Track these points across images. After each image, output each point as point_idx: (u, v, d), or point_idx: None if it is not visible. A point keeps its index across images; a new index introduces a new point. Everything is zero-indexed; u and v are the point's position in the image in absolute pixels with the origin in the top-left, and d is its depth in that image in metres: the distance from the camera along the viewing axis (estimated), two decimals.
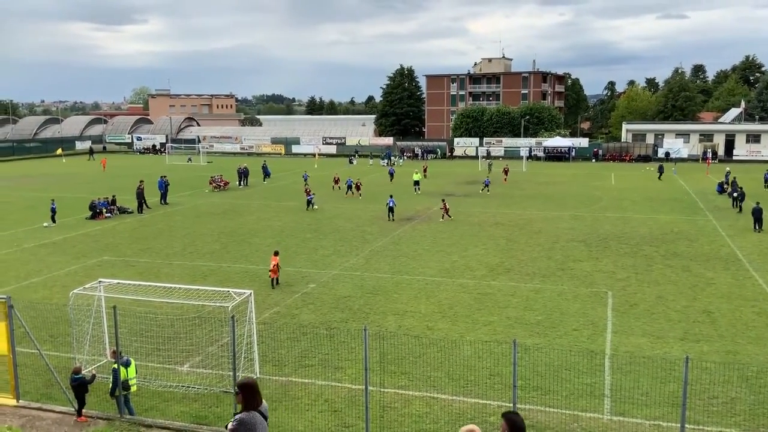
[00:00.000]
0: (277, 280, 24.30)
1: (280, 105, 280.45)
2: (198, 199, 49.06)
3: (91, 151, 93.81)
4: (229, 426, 7.82)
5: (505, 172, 61.62)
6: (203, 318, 19.49)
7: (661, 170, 61.88)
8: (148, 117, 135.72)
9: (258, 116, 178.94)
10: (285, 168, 76.59)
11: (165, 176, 47.72)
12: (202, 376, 16.10)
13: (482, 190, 51.96)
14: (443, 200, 40.60)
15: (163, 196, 46.25)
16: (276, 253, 24.75)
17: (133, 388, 14.23)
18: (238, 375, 14.61)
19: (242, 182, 58.00)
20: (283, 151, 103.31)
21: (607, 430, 13.24)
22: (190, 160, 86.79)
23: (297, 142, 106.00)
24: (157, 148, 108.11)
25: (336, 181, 55.11)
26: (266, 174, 62.65)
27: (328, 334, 18.78)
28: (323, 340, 18.42)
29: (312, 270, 26.63)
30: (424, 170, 63.13)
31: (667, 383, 15.14)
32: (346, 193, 50.53)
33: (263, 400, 8.15)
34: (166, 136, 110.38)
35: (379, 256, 29.15)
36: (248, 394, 7.93)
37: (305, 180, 54.70)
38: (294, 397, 14.93)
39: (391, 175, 60.83)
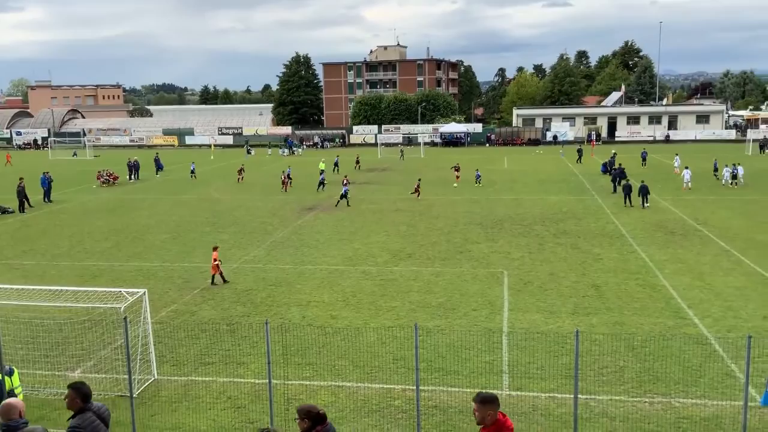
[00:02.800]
0: (222, 276, 22.92)
1: (171, 95, 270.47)
2: (85, 195, 46.61)
3: None
4: None
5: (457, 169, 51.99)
6: (94, 320, 18.54)
7: (579, 153, 63.98)
8: (28, 110, 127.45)
9: (148, 107, 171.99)
10: (179, 160, 74.09)
11: (48, 172, 44.94)
12: (95, 381, 15.30)
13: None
14: (419, 180, 43.22)
15: (47, 194, 43.60)
16: (215, 248, 23.35)
17: (20, 397, 13.35)
18: (134, 378, 14.04)
19: (133, 176, 55.67)
20: (176, 143, 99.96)
21: (506, 405, 13.70)
22: (75, 154, 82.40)
23: (191, 132, 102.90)
24: (38, 142, 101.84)
25: (240, 172, 53.61)
26: (159, 167, 60.45)
27: (230, 330, 18.37)
28: (224, 336, 17.99)
29: (211, 264, 25.89)
30: (357, 160, 62.14)
31: (560, 356, 15.86)
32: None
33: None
34: (49, 130, 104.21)
35: (280, 247, 28.80)
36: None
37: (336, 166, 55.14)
38: (195, 396, 14.51)
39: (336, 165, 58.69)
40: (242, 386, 14.89)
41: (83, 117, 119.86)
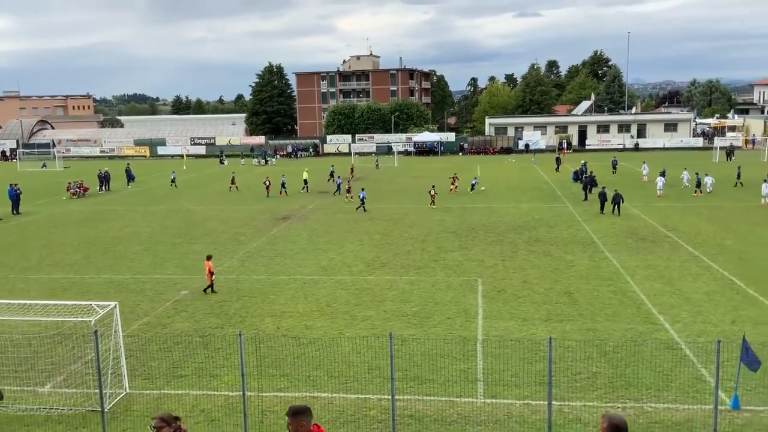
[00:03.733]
0: (212, 286, 23.03)
1: (143, 105, 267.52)
2: (55, 207, 45.86)
3: None
4: None
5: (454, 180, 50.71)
6: (65, 334, 18.23)
7: (558, 162, 64.20)
8: None
9: (119, 117, 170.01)
10: (151, 171, 73.37)
11: (16, 184, 44.12)
12: (65, 396, 15.06)
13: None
14: (433, 186, 43.51)
15: (15, 206, 42.80)
16: (209, 258, 23.42)
17: None
18: (105, 392, 13.83)
19: (104, 187, 54.93)
20: (148, 154, 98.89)
21: (481, 414, 13.77)
22: (44, 166, 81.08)
23: (163, 143, 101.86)
24: (6, 154, 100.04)
25: (233, 181, 54.02)
26: (130, 178, 59.70)
27: (203, 342, 18.18)
28: (197, 348, 17.80)
29: (183, 276, 25.67)
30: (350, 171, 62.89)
31: (534, 363, 15.97)
32: (280, 193, 49.30)
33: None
34: (17, 141, 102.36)
35: (254, 257, 28.62)
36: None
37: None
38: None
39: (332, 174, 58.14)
40: (216, 399, 14.74)
41: (52, 128, 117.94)
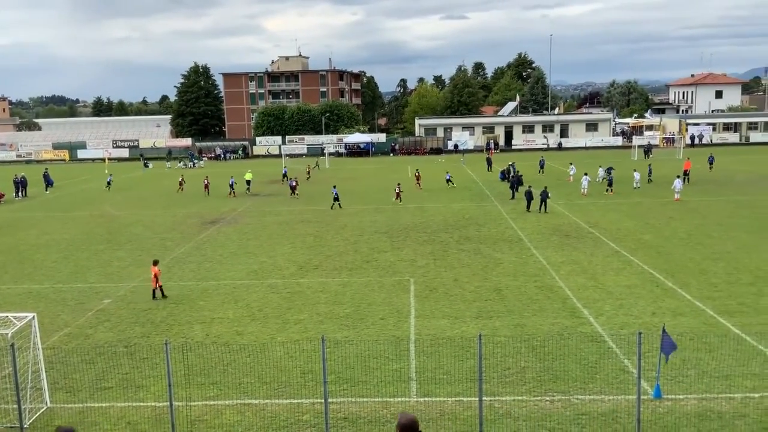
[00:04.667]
0: (161, 290, 22.57)
1: (62, 107, 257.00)
2: None
3: None
4: None
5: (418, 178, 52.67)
6: None
7: (489, 162, 64.76)
8: None
9: (36, 120, 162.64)
10: (70, 175, 70.57)
11: None
12: None
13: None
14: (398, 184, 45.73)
15: None
16: (155, 263, 22.90)
17: None
18: (24, 407, 13.17)
19: (20, 193, 52.43)
20: (67, 157, 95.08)
21: (414, 412, 13.81)
22: None
23: (83, 146, 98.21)
24: None
25: (181, 184, 54.27)
26: (48, 183, 57.19)
27: (128, 352, 17.57)
28: (122, 358, 17.19)
29: (107, 284, 24.76)
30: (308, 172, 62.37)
31: (466, 360, 16.19)
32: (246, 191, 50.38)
33: None
34: None
35: (182, 263, 27.90)
36: None
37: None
38: (92, 423, 13.76)
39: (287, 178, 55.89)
40: (143, 410, 14.27)
41: None
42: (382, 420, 13.51)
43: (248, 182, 51.92)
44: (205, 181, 51.96)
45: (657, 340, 14.72)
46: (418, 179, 51.91)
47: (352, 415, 13.75)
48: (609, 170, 47.33)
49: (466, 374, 15.35)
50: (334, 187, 43.19)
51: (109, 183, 56.76)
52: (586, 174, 46.75)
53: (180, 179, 55.68)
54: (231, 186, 50.33)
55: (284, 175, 58.65)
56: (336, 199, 42.05)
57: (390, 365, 16.20)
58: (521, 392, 14.58)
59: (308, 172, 62.62)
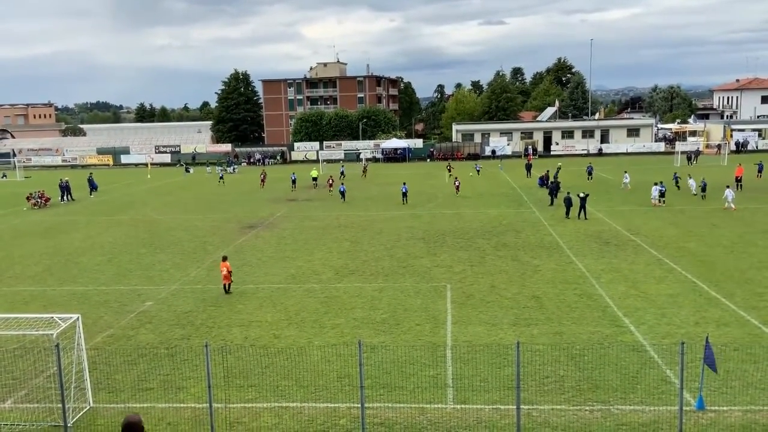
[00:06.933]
0: (229, 286, 23.89)
1: (106, 113, 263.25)
2: (15, 218, 44.80)
3: None
4: None
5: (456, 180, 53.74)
6: (26, 348, 17.80)
7: (528, 168, 63.67)
8: None
9: (81, 126, 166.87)
10: (114, 180, 72.25)
11: None
12: (27, 411, 14.68)
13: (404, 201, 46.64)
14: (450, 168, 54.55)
15: None
16: (224, 258, 24.15)
17: None
18: (69, 407, 13.50)
19: (65, 197, 53.83)
20: (111, 162, 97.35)
21: (451, 419, 13.77)
22: (4, 176, 79.32)
23: (126, 151, 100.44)
24: None
25: (263, 180, 60.76)
26: (93, 187, 58.60)
27: (168, 353, 17.88)
28: (163, 360, 17.50)
29: (148, 287, 25.25)
30: (364, 170, 68.93)
31: (503, 368, 16.05)
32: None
33: None
34: None
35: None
36: None
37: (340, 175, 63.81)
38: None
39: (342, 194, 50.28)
40: (182, 411, 14.49)
41: (13, 137, 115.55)
42: (419, 426, 13.47)
43: (314, 179, 59.04)
44: (262, 176, 59.99)
45: (700, 350, 14.38)
46: (457, 188, 50.82)
47: (389, 420, 13.74)
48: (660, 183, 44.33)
49: (504, 382, 15.21)
50: (342, 183, 49.84)
51: (221, 177, 66.30)
52: (656, 183, 42.82)
53: (261, 176, 61.66)
54: (293, 182, 57.19)
55: (342, 173, 65.62)
56: (404, 194, 46.39)
57: (426, 371, 16.15)
58: (560, 401, 14.38)
59: (364, 170, 69.00)
